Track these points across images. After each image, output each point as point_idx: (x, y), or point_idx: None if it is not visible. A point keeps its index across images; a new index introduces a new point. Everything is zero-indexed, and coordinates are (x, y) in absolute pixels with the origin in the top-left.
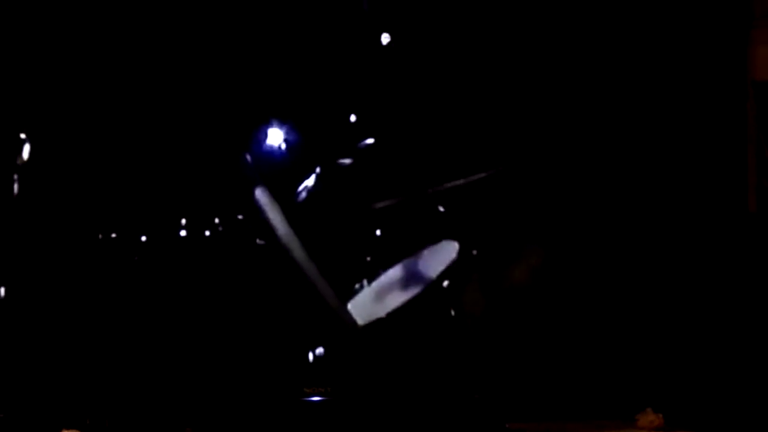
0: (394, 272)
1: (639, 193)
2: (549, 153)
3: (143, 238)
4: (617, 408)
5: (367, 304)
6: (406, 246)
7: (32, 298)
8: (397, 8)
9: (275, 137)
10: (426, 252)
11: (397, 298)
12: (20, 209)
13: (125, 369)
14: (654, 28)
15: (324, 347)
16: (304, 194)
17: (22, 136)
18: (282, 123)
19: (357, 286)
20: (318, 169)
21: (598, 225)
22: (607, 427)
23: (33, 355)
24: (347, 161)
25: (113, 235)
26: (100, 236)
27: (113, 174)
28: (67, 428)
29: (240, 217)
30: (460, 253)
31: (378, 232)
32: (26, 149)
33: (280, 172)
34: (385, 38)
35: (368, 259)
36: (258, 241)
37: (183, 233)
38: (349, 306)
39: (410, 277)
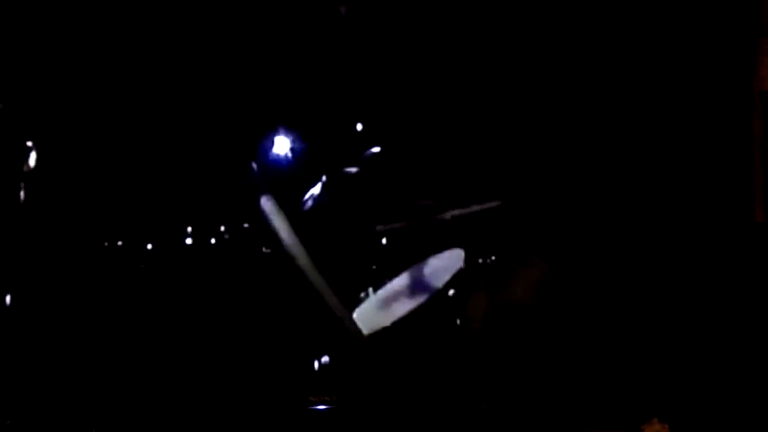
0: (400, 281)
1: (646, 204)
2: (555, 162)
3: (149, 246)
4: (623, 418)
5: (373, 312)
6: (412, 254)
7: (39, 305)
8: (406, 17)
9: (281, 145)
10: (432, 260)
11: (402, 307)
12: (27, 217)
13: (131, 377)
14: (661, 38)
15: (329, 356)
16: (310, 203)
17: (29, 143)
18: (288, 131)
19: (362, 294)
20: (324, 178)
21: (604, 234)
22: None
23: (39, 363)
24: (353, 170)
25: (119, 243)
26: (106, 244)
27: (119, 182)
28: None
29: (246, 225)
30: (467, 261)
31: (384, 241)
32: (33, 157)
33: (286, 180)
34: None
35: (374, 267)
36: (264, 249)
37: (189, 241)
38: (355, 314)
39: (416, 286)
